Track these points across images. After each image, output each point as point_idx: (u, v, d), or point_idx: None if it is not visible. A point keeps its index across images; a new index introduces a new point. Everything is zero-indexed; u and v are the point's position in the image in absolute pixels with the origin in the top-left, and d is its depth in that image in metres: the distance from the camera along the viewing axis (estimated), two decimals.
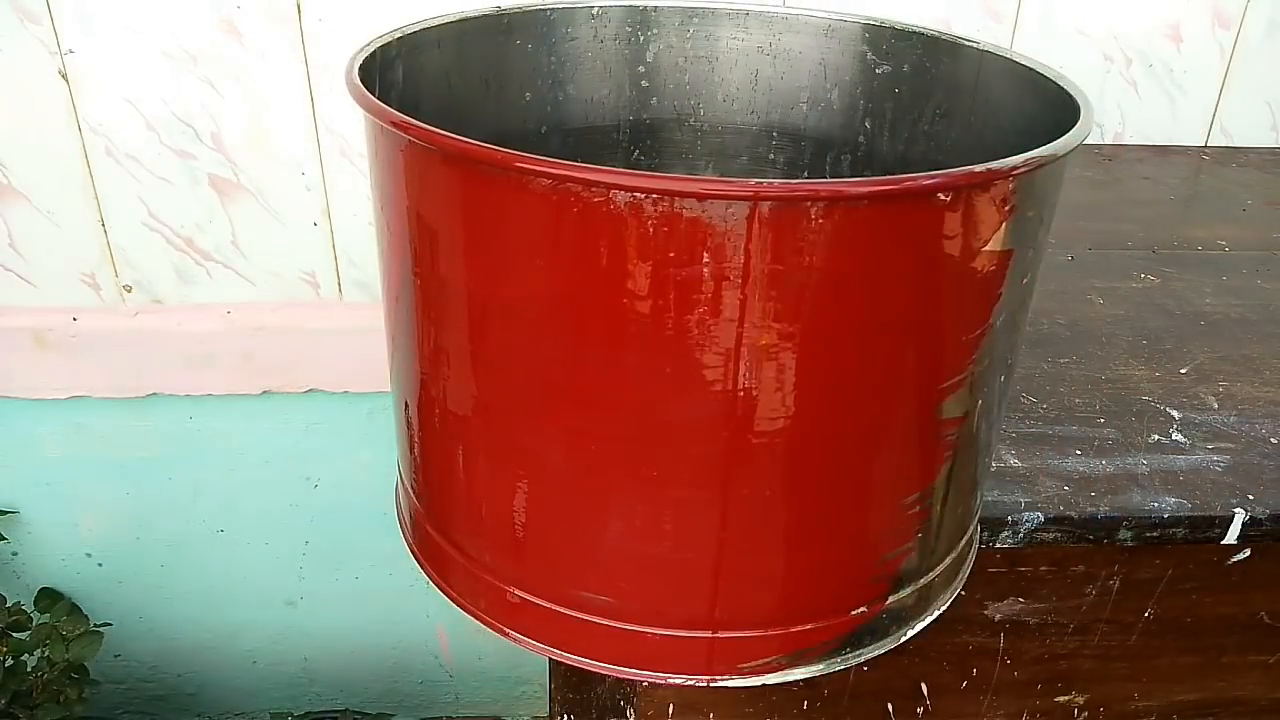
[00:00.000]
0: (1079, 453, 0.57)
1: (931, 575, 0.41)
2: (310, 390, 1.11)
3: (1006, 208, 0.33)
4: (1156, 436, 0.58)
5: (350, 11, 0.94)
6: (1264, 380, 0.64)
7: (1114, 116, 1.06)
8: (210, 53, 0.95)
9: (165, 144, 0.98)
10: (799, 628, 0.38)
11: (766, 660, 0.39)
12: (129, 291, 1.06)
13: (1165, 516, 0.53)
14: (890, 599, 0.40)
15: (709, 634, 0.38)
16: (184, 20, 0.93)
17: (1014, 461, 0.56)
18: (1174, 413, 0.61)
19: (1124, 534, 0.53)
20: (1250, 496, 0.54)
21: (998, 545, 0.53)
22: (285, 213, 1.03)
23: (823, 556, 0.37)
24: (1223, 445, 0.58)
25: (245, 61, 0.95)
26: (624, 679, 0.46)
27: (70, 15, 0.92)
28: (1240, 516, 0.53)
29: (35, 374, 1.07)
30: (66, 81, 0.95)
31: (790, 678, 0.39)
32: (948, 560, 0.42)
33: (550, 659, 0.40)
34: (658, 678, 0.39)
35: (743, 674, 0.39)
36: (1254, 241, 0.85)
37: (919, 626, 0.41)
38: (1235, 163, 1.03)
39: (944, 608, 0.43)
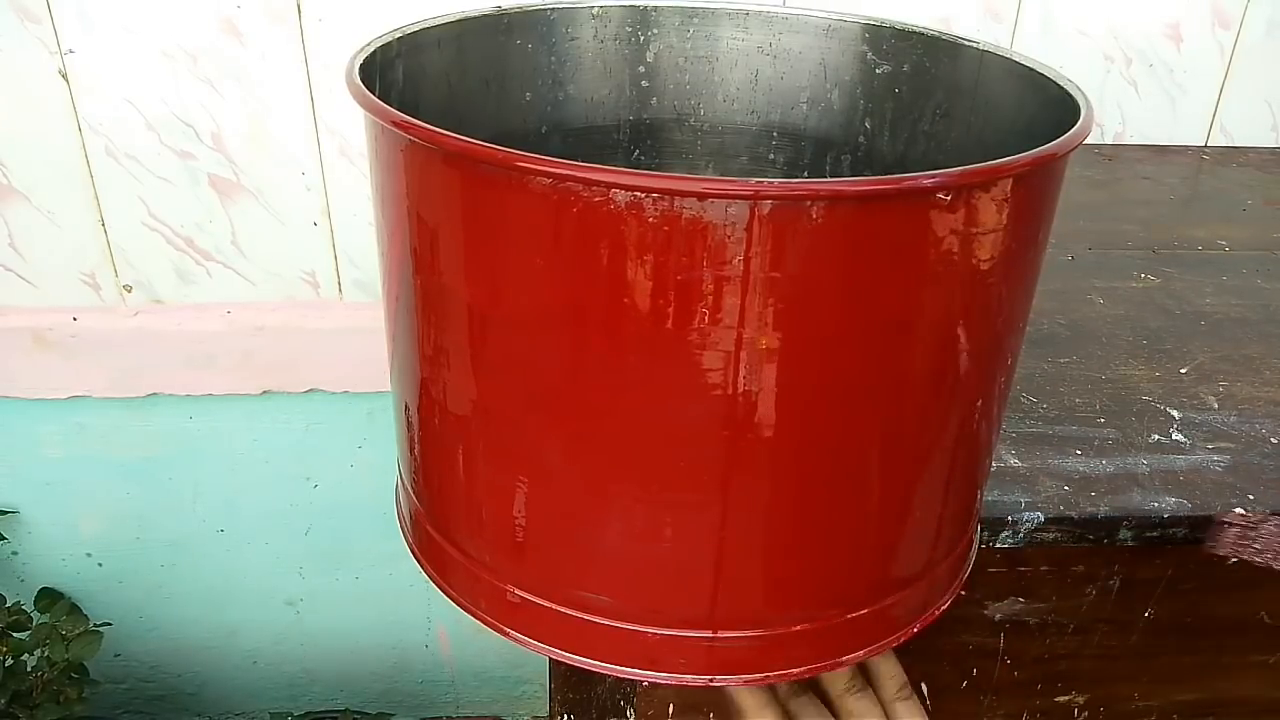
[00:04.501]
0: (1079, 453, 0.57)
1: (931, 575, 0.41)
2: (310, 390, 1.11)
3: (1007, 207, 0.33)
4: (1156, 436, 0.58)
5: (350, 11, 0.94)
6: (1264, 380, 0.64)
7: (1114, 116, 1.06)
8: (210, 53, 0.95)
9: (165, 144, 0.98)
10: (799, 627, 0.38)
11: (766, 660, 0.39)
12: (129, 291, 1.06)
13: (1165, 516, 0.53)
14: (889, 599, 0.40)
15: (709, 634, 0.38)
16: (184, 20, 0.93)
17: (1014, 461, 0.56)
18: (1174, 413, 0.61)
19: (1124, 534, 0.53)
20: (1250, 496, 0.54)
21: (998, 545, 0.53)
22: (285, 213, 1.03)
23: (822, 557, 0.37)
24: (1223, 445, 0.58)
25: (245, 61, 0.95)
26: (624, 679, 0.46)
27: (70, 15, 0.92)
28: None
29: (35, 374, 1.07)
30: (66, 81, 0.95)
31: (790, 677, 0.39)
32: (947, 560, 0.42)
33: (550, 659, 0.40)
34: (658, 677, 0.39)
35: (743, 674, 0.39)
36: (1254, 241, 0.85)
37: (918, 627, 0.42)
38: (1235, 163, 1.04)
39: (944, 607, 0.43)
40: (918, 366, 0.34)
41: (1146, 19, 1.02)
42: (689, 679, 0.38)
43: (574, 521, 0.37)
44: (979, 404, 0.38)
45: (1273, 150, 1.07)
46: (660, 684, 0.41)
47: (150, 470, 1.17)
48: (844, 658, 0.40)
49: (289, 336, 1.07)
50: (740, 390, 0.32)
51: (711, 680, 0.38)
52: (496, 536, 0.39)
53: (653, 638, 0.38)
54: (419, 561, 0.44)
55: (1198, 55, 1.04)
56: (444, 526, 0.42)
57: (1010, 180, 0.33)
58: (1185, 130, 1.07)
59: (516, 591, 0.39)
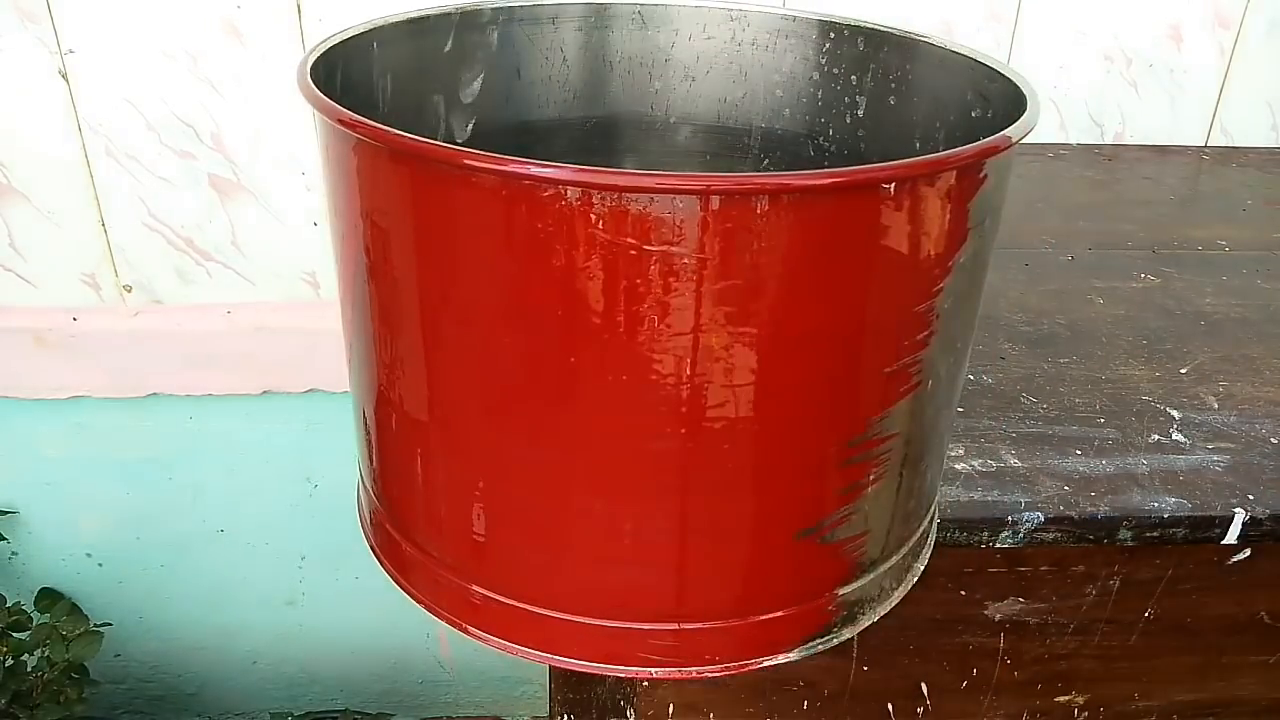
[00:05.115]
0: (1079, 453, 0.57)
1: (890, 562, 0.41)
2: (310, 390, 1.11)
3: (952, 198, 0.33)
4: (1156, 436, 0.58)
5: (350, 12, 0.94)
6: (1264, 380, 0.64)
7: (1114, 116, 1.06)
8: (210, 53, 0.95)
9: (165, 144, 0.98)
10: (762, 617, 0.38)
11: (732, 650, 0.39)
12: (129, 291, 1.06)
13: (1165, 516, 0.53)
14: (849, 587, 0.40)
15: (675, 626, 0.38)
16: (184, 20, 0.93)
17: (1014, 461, 0.56)
18: (1174, 413, 0.61)
19: (1124, 534, 0.53)
20: (1250, 496, 0.54)
21: (998, 545, 0.53)
22: (285, 213, 1.03)
23: (782, 547, 0.37)
24: (1223, 445, 0.58)
25: (245, 61, 0.95)
26: (596, 675, 0.46)
27: (70, 15, 0.92)
28: (1240, 516, 0.53)
29: (35, 374, 1.07)
30: (66, 81, 0.95)
31: (756, 667, 0.39)
32: (908, 545, 0.42)
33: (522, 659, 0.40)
34: (625, 671, 0.39)
35: (710, 664, 0.38)
36: (1254, 241, 0.85)
37: (881, 612, 0.42)
38: (1235, 163, 1.04)
39: (906, 590, 0.43)
40: (868, 354, 0.35)
41: (1146, 19, 1.02)
42: (656, 672, 0.38)
43: (534, 519, 0.36)
44: (930, 390, 0.38)
45: (1273, 150, 1.07)
46: (639, 679, 0.41)
47: (150, 470, 1.17)
48: (809, 646, 0.40)
49: (289, 336, 1.07)
50: (695, 383, 0.32)
51: (681, 670, 0.38)
52: (457, 536, 0.39)
53: (618, 631, 0.38)
54: (380, 562, 0.44)
55: (1198, 55, 1.04)
56: (405, 527, 0.42)
57: (954, 172, 0.33)
58: (1185, 130, 1.07)
59: (479, 590, 0.39)
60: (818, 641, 0.40)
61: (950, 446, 0.56)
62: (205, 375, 1.09)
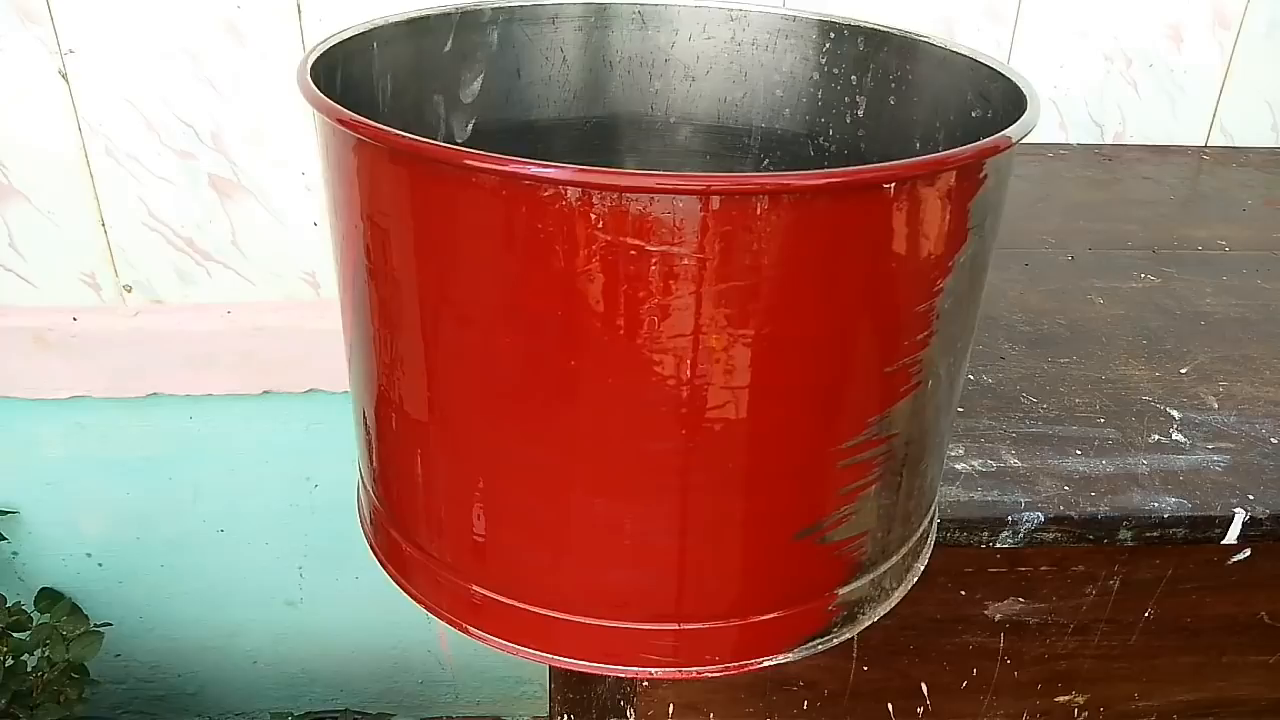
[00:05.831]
0: (1079, 453, 0.57)
1: (890, 562, 0.41)
2: (310, 390, 1.11)
3: (952, 198, 0.33)
4: (1156, 436, 0.58)
5: (350, 12, 0.94)
6: (1264, 380, 0.64)
7: (1114, 116, 1.06)
8: (210, 53, 0.95)
9: (165, 144, 0.98)
10: (762, 617, 0.38)
11: (732, 650, 0.39)
12: (129, 291, 1.06)
13: (1165, 516, 0.53)
14: (849, 587, 0.40)
15: (675, 626, 0.38)
16: (184, 20, 0.93)
17: (1014, 461, 0.56)
18: (1174, 413, 0.61)
19: (1124, 534, 0.53)
20: (1250, 496, 0.54)
21: (998, 545, 0.53)
22: (285, 213, 1.03)
23: (781, 548, 0.37)
24: (1223, 445, 0.58)
25: (245, 61, 0.95)
26: (596, 674, 0.46)
27: (70, 15, 0.92)
28: (1240, 516, 0.53)
29: (35, 374, 1.07)
30: (66, 81, 0.95)
31: (756, 667, 0.39)
32: (908, 545, 0.42)
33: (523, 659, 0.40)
34: (625, 671, 0.39)
35: (710, 664, 0.39)
36: (1254, 241, 0.85)
37: (881, 612, 0.42)
38: (1235, 163, 1.04)
39: (906, 590, 0.43)
40: (867, 353, 0.35)
41: (1147, 19, 1.02)
42: (656, 672, 0.38)
43: (534, 519, 0.37)
44: (929, 390, 0.38)
45: (1273, 150, 1.07)
46: (639, 679, 0.41)
47: (150, 470, 1.17)
48: (808, 646, 0.40)
49: (289, 336, 1.07)
50: (696, 384, 0.32)
51: (681, 670, 0.38)
52: (457, 537, 0.39)
53: (619, 631, 0.38)
54: (381, 562, 0.44)
55: (1198, 55, 1.04)
56: (405, 528, 0.42)
57: (954, 172, 0.33)
58: (1185, 130, 1.07)
59: (479, 590, 0.39)
60: (817, 641, 0.40)
61: (950, 446, 0.56)
62: (205, 375, 1.09)
